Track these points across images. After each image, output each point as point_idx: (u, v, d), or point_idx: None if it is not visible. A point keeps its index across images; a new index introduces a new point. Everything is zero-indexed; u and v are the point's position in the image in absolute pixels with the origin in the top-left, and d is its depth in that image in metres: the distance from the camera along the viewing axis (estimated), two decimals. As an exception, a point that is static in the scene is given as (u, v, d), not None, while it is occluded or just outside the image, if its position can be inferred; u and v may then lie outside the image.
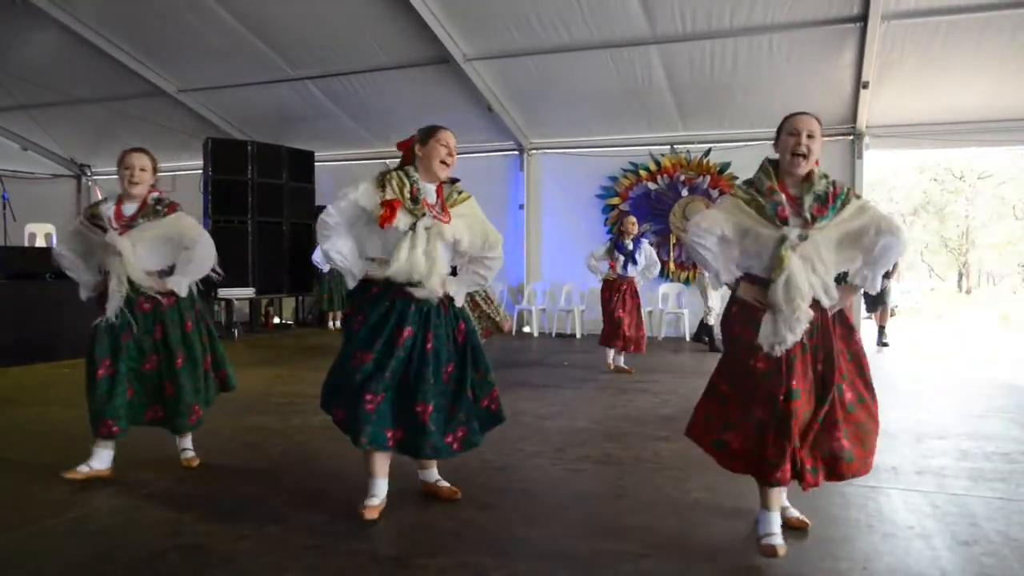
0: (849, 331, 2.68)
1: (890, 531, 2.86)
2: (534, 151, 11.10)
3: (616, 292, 6.89)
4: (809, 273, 2.52)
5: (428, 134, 2.98)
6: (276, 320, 11.95)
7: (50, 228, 11.26)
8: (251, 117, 11.07)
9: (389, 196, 2.82)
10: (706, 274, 2.82)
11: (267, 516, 2.98)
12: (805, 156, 2.61)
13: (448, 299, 2.96)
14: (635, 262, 6.85)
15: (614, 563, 2.55)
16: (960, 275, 29.03)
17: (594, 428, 4.68)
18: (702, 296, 9.10)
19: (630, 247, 6.86)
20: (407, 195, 2.86)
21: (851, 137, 9.35)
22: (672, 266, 10.43)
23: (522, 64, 8.94)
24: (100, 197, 3.62)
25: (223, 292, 10.10)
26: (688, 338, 10.00)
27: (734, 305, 2.72)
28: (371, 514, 2.88)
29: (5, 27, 8.94)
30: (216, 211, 10.34)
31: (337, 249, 2.88)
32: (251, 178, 10.65)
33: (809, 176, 2.64)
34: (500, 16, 8.09)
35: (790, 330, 2.49)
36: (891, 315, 10.66)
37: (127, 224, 3.45)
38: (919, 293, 23.28)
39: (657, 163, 10.45)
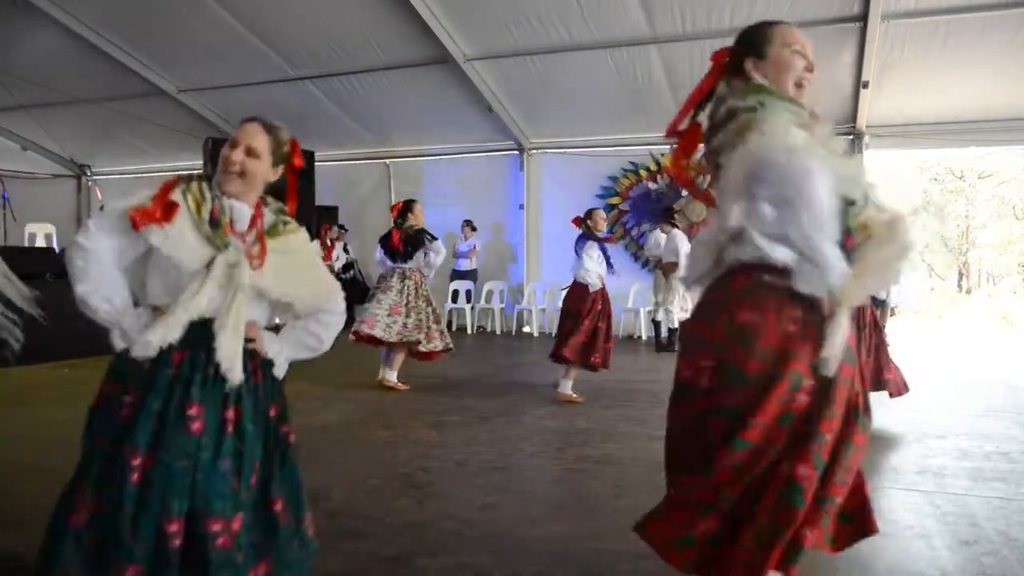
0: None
1: (890, 531, 2.85)
2: (534, 151, 11.08)
3: (597, 299, 5.65)
4: None
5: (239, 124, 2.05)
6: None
7: (50, 228, 11.27)
8: (251, 117, 11.06)
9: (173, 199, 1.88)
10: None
11: (267, 516, 2.98)
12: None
13: (263, 364, 2.01)
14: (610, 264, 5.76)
15: (614, 563, 2.55)
16: (960, 275, 29.01)
17: (594, 428, 4.68)
18: (665, 291, 8.58)
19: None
20: (205, 216, 1.89)
21: (851, 137, 9.34)
22: (672, 266, 10.41)
23: (522, 64, 8.93)
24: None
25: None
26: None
27: (796, 309, 1.69)
28: None
29: (5, 27, 8.94)
30: (216, 211, 10.33)
31: (102, 294, 1.82)
32: (251, 178, 10.64)
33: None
34: (500, 16, 8.09)
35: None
36: (891, 315, 10.66)
37: None
38: (919, 293, 23.28)
39: (657, 163, 10.44)
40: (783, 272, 1.68)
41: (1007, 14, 7.05)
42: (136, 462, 1.76)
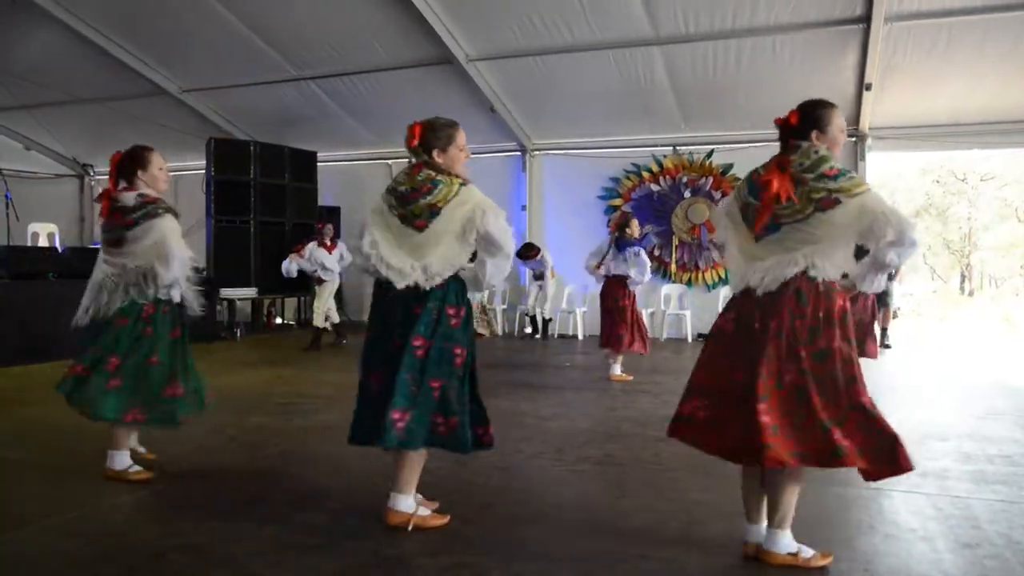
0: None
1: (892, 533, 2.85)
2: (536, 152, 11.09)
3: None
4: None
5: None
6: (278, 320, 11.95)
7: (53, 228, 11.30)
8: (253, 117, 11.08)
9: None
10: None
11: (267, 516, 2.98)
12: None
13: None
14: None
15: (614, 563, 2.54)
16: (963, 277, 28.97)
17: (595, 429, 4.67)
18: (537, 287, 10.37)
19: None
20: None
21: (854, 139, 9.34)
22: (674, 268, 10.42)
23: (525, 65, 8.94)
24: None
25: (225, 292, 10.10)
26: (690, 339, 9.98)
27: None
28: None
29: (8, 27, 8.96)
30: (218, 211, 10.35)
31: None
32: (253, 178, 10.66)
33: None
34: (503, 16, 8.09)
35: None
36: (893, 317, 10.65)
37: None
38: (921, 295, 23.23)
39: (659, 164, 10.44)
40: None
41: (1009, 16, 7.04)
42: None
